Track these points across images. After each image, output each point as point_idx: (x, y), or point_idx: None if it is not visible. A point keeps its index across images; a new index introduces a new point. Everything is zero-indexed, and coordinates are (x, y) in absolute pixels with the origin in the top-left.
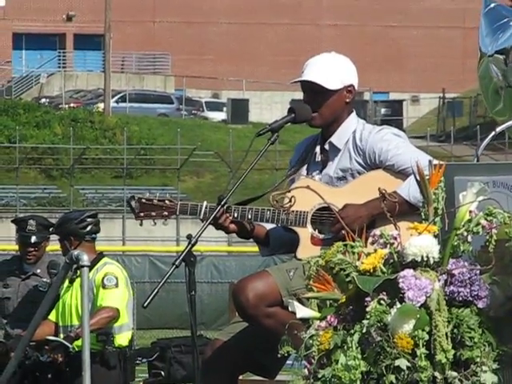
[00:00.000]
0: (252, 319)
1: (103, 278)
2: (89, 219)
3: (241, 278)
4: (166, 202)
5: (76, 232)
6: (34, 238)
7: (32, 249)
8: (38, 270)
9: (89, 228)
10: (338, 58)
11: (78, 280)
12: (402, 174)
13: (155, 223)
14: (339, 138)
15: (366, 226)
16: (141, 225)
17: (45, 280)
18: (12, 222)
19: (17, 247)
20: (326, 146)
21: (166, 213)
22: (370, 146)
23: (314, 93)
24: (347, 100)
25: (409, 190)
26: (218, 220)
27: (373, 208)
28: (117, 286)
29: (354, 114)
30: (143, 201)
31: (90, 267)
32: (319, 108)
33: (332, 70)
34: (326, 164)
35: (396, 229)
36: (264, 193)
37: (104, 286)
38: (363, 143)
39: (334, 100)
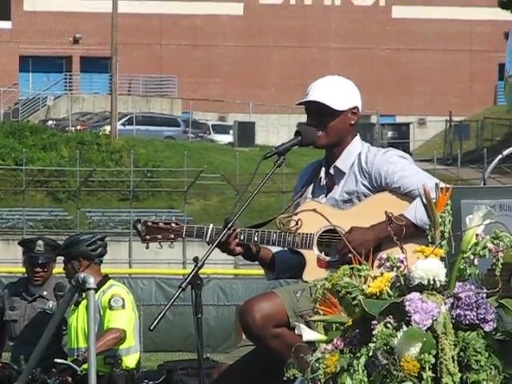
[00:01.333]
0: (258, 340)
1: (110, 300)
2: (99, 242)
3: (247, 299)
4: (172, 224)
5: (87, 254)
6: (42, 259)
7: (40, 269)
8: (45, 293)
9: (99, 250)
10: (342, 80)
11: (83, 303)
12: (407, 197)
13: (161, 246)
14: (344, 161)
15: (372, 249)
16: (147, 248)
17: (51, 302)
18: (19, 243)
19: (23, 269)
20: (331, 171)
21: (172, 235)
22: (375, 168)
23: (319, 114)
24: (352, 122)
25: (415, 212)
26: (225, 243)
27: (379, 231)
28: (123, 307)
29: (358, 137)
30: (149, 224)
31: (97, 289)
32: (325, 128)
33: (337, 92)
34: (332, 188)
35: (402, 252)
36: (272, 218)
37: (111, 308)
38: (369, 166)
39: (339, 121)
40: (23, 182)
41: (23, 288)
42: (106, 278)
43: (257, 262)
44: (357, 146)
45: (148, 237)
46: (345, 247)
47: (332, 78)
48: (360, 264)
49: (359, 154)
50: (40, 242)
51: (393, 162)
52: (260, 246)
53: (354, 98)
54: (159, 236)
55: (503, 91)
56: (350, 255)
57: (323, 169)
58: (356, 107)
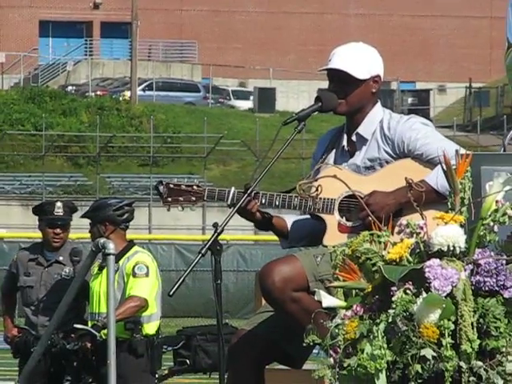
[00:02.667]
0: (277, 303)
1: (134, 267)
2: (126, 207)
3: (268, 262)
4: (194, 187)
5: (113, 218)
6: (62, 220)
7: (61, 231)
8: (61, 258)
9: (125, 216)
10: (365, 48)
11: None
12: (430, 164)
13: (183, 208)
14: (366, 128)
15: (392, 214)
16: (168, 210)
17: (68, 268)
18: (34, 209)
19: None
20: (353, 138)
21: (193, 198)
22: (398, 135)
23: (341, 82)
24: (373, 90)
25: (437, 178)
26: (246, 207)
27: (401, 196)
28: (147, 275)
29: (379, 104)
30: (171, 186)
31: (121, 255)
32: (346, 97)
33: (360, 60)
34: (353, 154)
35: (422, 218)
36: (294, 187)
37: (134, 275)
38: (392, 132)
39: (361, 90)
40: (43, 147)
41: (38, 253)
42: (131, 244)
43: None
44: (378, 113)
45: (170, 199)
46: (365, 210)
47: (355, 46)
48: (380, 229)
49: (381, 121)
50: (59, 204)
51: (416, 128)
52: (272, 215)
53: (377, 67)
54: (181, 198)
55: (504, 61)
56: (370, 219)
57: (345, 136)
58: (378, 75)
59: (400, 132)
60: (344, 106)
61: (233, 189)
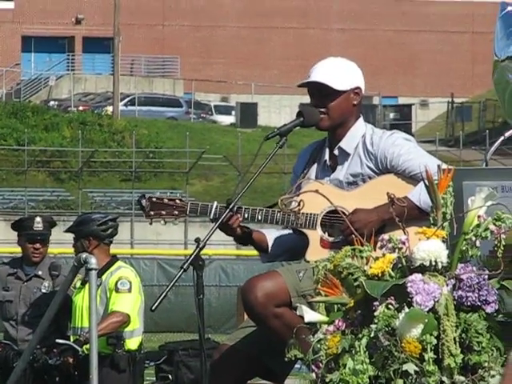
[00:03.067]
0: (259, 318)
1: (117, 282)
2: (110, 222)
3: (250, 277)
4: (177, 201)
5: (97, 233)
6: (41, 235)
7: (40, 246)
8: (40, 272)
9: (109, 231)
10: (343, 61)
11: None
12: (412, 179)
13: (165, 222)
14: (348, 142)
15: (375, 230)
16: (150, 224)
17: (47, 282)
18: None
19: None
20: (336, 152)
21: (176, 212)
22: (381, 150)
23: (321, 95)
24: (354, 102)
25: (419, 195)
26: (228, 222)
27: (383, 213)
28: (130, 290)
29: (361, 119)
30: (154, 199)
31: (104, 270)
32: (327, 109)
33: (338, 72)
34: (335, 169)
35: (405, 233)
36: (276, 202)
37: (117, 290)
38: (374, 148)
39: (342, 101)
40: (25, 162)
41: (18, 268)
42: (114, 259)
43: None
44: (360, 127)
45: (152, 212)
46: (348, 228)
47: (333, 59)
48: (362, 245)
49: (364, 136)
50: (38, 219)
51: (398, 144)
52: (252, 230)
53: (356, 79)
54: (163, 212)
55: (492, 75)
56: (352, 236)
57: (327, 150)
58: (358, 87)
59: (383, 147)
60: (326, 120)
61: (215, 203)
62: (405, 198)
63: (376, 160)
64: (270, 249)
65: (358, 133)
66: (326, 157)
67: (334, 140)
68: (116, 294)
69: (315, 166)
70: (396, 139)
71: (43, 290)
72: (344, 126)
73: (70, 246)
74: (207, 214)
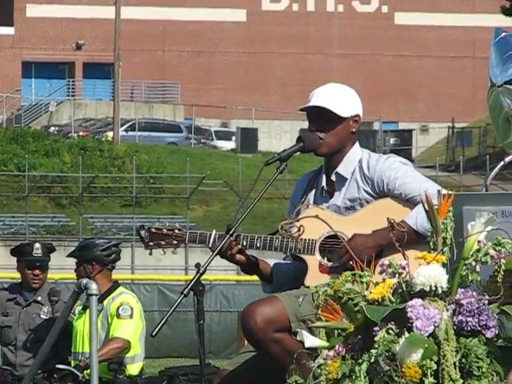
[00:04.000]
0: (259, 344)
1: (118, 308)
2: (113, 248)
3: (250, 303)
4: (176, 230)
5: (101, 258)
6: (41, 261)
7: (39, 272)
8: (39, 298)
9: (112, 256)
10: (344, 87)
11: None
12: (409, 203)
13: (164, 252)
14: (345, 167)
15: (374, 255)
16: (150, 254)
17: (46, 308)
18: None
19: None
20: (333, 177)
21: (175, 241)
22: (378, 174)
23: (322, 119)
24: (353, 130)
25: (416, 219)
26: (227, 249)
27: (381, 238)
28: (131, 317)
29: (357, 144)
30: (153, 230)
31: (106, 295)
32: (326, 135)
33: (340, 98)
34: (333, 195)
35: (404, 258)
36: (276, 230)
37: (118, 316)
38: (371, 172)
39: (342, 128)
40: (26, 188)
41: (17, 293)
42: (116, 285)
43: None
44: (357, 153)
45: (151, 243)
46: (346, 253)
47: (335, 85)
48: (362, 270)
49: (360, 160)
50: (38, 245)
51: (395, 168)
52: (258, 259)
53: (356, 106)
54: (162, 242)
55: (487, 101)
56: (351, 262)
57: (324, 177)
58: (358, 115)
59: (379, 171)
60: (324, 146)
61: (214, 231)
62: (402, 221)
63: (373, 184)
64: (274, 281)
65: (355, 158)
66: (323, 183)
67: (330, 166)
68: (117, 319)
69: (313, 192)
70: (392, 163)
71: (42, 316)
72: (341, 152)
73: (71, 272)
74: (206, 242)
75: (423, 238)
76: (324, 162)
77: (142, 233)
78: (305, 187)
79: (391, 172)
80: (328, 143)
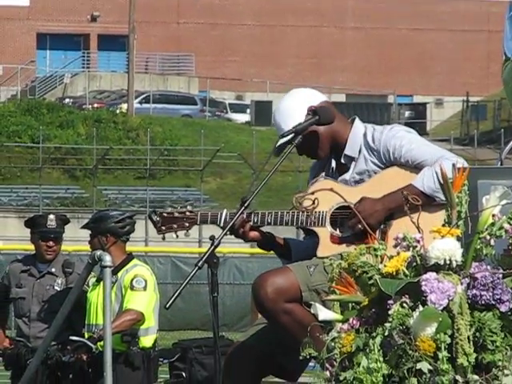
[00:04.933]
0: (270, 313)
1: (132, 280)
2: (128, 219)
3: (261, 273)
4: (187, 213)
5: (115, 230)
6: (55, 233)
7: (53, 244)
8: (53, 269)
9: (127, 228)
10: (280, 105)
11: None
12: (417, 169)
13: (177, 236)
14: (352, 147)
15: (383, 219)
16: (163, 238)
17: (60, 279)
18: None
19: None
20: (343, 160)
21: (187, 224)
22: (383, 144)
23: (298, 146)
24: (316, 118)
25: (423, 181)
26: (239, 227)
27: (389, 201)
28: (145, 289)
29: (357, 121)
30: (164, 214)
31: (120, 267)
32: (311, 147)
33: (286, 114)
34: (343, 173)
35: (419, 231)
36: (291, 208)
37: (132, 288)
38: (376, 143)
39: (310, 131)
40: (40, 159)
41: (31, 265)
42: (130, 257)
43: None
44: (359, 129)
45: (164, 227)
46: (355, 218)
47: (275, 110)
48: (371, 235)
49: (364, 135)
50: (52, 217)
51: (399, 136)
52: (274, 236)
53: (300, 105)
54: (174, 225)
55: (501, 74)
56: (360, 226)
57: (333, 161)
58: (308, 108)
59: (384, 141)
60: (319, 154)
61: (225, 211)
62: (409, 185)
63: (379, 154)
64: (293, 256)
65: (358, 135)
66: (334, 166)
67: (338, 151)
68: (131, 291)
69: (324, 173)
70: (397, 132)
71: (56, 288)
72: (339, 138)
73: (85, 244)
74: (217, 222)
75: (432, 200)
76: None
77: (154, 218)
78: (317, 170)
79: (396, 140)
80: (319, 149)
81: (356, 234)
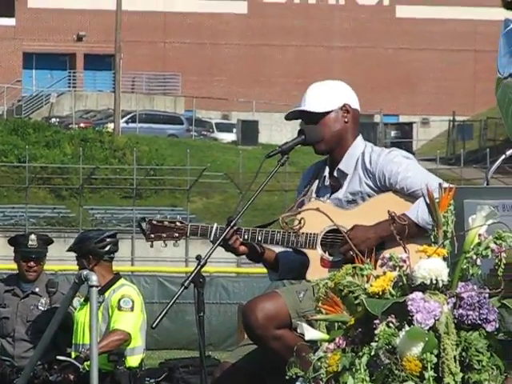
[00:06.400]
0: (260, 340)
1: (119, 300)
2: (108, 239)
3: (251, 299)
4: (177, 223)
5: (95, 251)
6: (36, 253)
7: (34, 264)
8: (37, 289)
9: (108, 248)
10: (328, 83)
11: None
12: (411, 197)
13: (166, 245)
14: (347, 163)
15: (374, 248)
16: (151, 246)
17: (44, 299)
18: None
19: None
20: (335, 173)
21: (176, 234)
22: (379, 168)
23: (311, 122)
24: (346, 120)
25: (417, 212)
26: (228, 241)
27: (381, 230)
28: (132, 309)
29: (360, 138)
30: (154, 222)
31: (107, 287)
32: (322, 130)
33: (320, 95)
34: (336, 189)
35: (405, 251)
36: (276, 219)
37: (119, 308)
38: (373, 166)
39: (331, 121)
40: (26, 179)
41: (15, 285)
42: (117, 277)
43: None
44: (359, 146)
45: (153, 235)
46: (346, 244)
47: (317, 84)
48: (362, 262)
49: (362, 154)
50: (33, 237)
51: (397, 162)
52: (264, 247)
53: (342, 96)
54: (164, 235)
55: (495, 92)
56: (352, 253)
57: (327, 169)
58: (346, 104)
59: (381, 165)
60: (322, 144)
61: (215, 225)
62: (403, 215)
63: (374, 177)
64: (280, 267)
65: (357, 152)
66: (326, 175)
67: (333, 161)
68: (118, 312)
69: (316, 183)
70: (395, 157)
71: (40, 307)
72: (342, 146)
73: (71, 263)
74: (207, 235)
75: (424, 232)
76: (328, 156)
77: (144, 225)
78: (309, 178)
79: (393, 166)
80: (324, 140)
81: (347, 260)
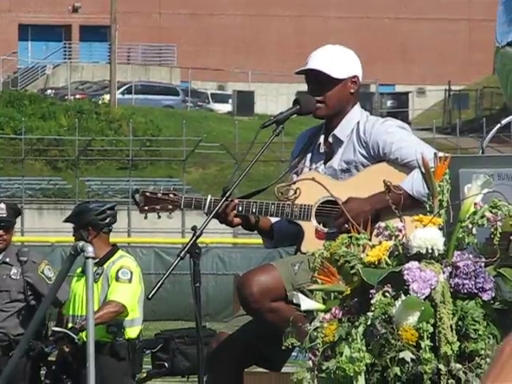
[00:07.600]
0: (255, 313)
1: (118, 271)
2: (108, 211)
3: (246, 272)
4: (171, 195)
5: (95, 223)
6: (5, 222)
7: (3, 233)
8: (7, 259)
9: (107, 220)
10: (341, 49)
11: None
12: (405, 167)
13: (159, 216)
14: (343, 130)
15: (370, 219)
16: (145, 218)
17: (15, 268)
18: None
19: (20, 238)
20: (330, 139)
21: (170, 206)
22: (373, 138)
23: (319, 82)
24: (352, 91)
25: (412, 183)
26: (222, 213)
27: (376, 202)
28: (130, 281)
29: (358, 106)
30: (148, 194)
31: (106, 259)
32: (324, 98)
33: (337, 60)
34: (330, 156)
35: (401, 221)
36: (268, 185)
37: (118, 279)
38: (367, 135)
39: (339, 90)
40: (22, 151)
41: None
42: (115, 248)
43: (256, 232)
44: (356, 115)
45: (146, 207)
46: (342, 217)
47: (331, 47)
48: (359, 233)
49: (358, 123)
50: (2, 206)
51: (391, 132)
52: (259, 216)
53: (354, 67)
54: (157, 206)
55: (494, 61)
56: (346, 226)
57: (322, 136)
58: (356, 76)
59: (375, 135)
60: (323, 109)
61: (209, 196)
62: (397, 186)
63: (368, 147)
64: (275, 235)
65: (353, 120)
66: (321, 142)
67: (329, 127)
68: (116, 282)
69: (310, 150)
70: (389, 127)
71: (13, 277)
72: (340, 114)
73: (68, 235)
74: (201, 207)
75: (419, 203)
76: (325, 122)
77: (137, 197)
78: (304, 142)
79: (387, 136)
80: (326, 106)
81: (341, 232)
